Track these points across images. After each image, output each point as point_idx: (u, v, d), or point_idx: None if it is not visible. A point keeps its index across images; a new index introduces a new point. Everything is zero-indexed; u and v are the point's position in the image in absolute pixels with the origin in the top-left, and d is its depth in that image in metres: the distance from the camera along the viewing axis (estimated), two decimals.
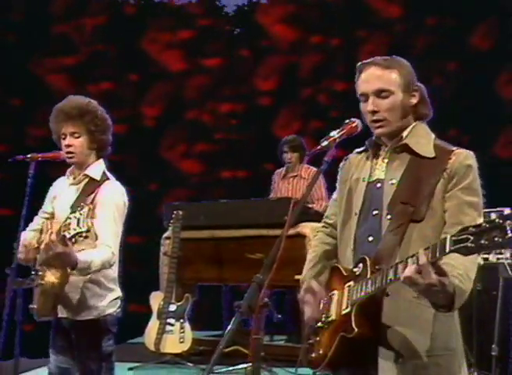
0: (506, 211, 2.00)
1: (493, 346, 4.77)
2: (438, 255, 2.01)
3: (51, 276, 3.13)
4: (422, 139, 2.42)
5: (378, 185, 2.42)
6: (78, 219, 3.02)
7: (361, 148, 2.56)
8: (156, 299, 5.73)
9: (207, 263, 6.22)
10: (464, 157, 2.35)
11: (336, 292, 2.41)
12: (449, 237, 1.98)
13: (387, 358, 2.28)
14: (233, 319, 2.07)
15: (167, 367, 5.66)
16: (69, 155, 3.33)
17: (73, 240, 3.04)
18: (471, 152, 2.39)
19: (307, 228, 5.69)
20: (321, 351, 2.35)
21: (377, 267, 2.26)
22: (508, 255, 4.80)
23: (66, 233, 3.03)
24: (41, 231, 3.35)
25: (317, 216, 5.80)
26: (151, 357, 5.73)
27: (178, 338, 5.60)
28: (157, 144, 8.85)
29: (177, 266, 5.76)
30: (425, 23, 8.52)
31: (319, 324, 2.41)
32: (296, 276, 5.48)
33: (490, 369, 4.83)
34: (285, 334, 6.84)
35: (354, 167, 2.54)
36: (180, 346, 5.59)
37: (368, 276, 2.26)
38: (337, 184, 2.63)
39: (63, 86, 8.24)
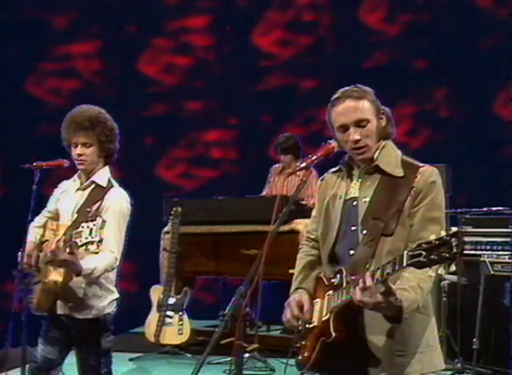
0: (453, 229, 2.21)
1: (474, 340, 5.01)
2: (397, 268, 2.24)
3: (55, 275, 3.30)
4: (391, 158, 2.64)
5: (354, 203, 2.64)
6: (91, 229, 3.17)
7: (336, 168, 2.78)
8: (156, 292, 5.97)
9: (205, 257, 6.45)
10: (428, 175, 2.56)
11: (318, 300, 2.63)
12: (405, 252, 2.21)
13: (372, 363, 2.50)
14: (218, 326, 2.29)
15: (166, 358, 5.89)
16: (80, 163, 3.50)
17: (84, 247, 3.20)
18: (435, 169, 2.60)
19: (300, 225, 5.92)
20: (306, 354, 2.58)
21: (352, 277, 2.49)
22: None
23: (78, 241, 3.18)
24: (44, 229, 3.54)
25: (310, 213, 6.05)
26: (151, 347, 5.97)
27: (177, 330, 5.84)
28: None
29: (176, 260, 5.99)
30: None
31: (304, 329, 2.63)
32: (290, 271, 5.76)
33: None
34: (281, 323, 7.03)
35: (331, 186, 2.76)
36: (179, 337, 5.83)
37: (344, 285, 2.49)
38: (316, 202, 2.86)
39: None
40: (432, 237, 2.16)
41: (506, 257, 4.87)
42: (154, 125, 8.46)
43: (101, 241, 3.19)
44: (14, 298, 3.64)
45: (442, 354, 5.44)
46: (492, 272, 4.90)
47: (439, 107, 8.20)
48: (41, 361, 3.52)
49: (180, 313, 5.88)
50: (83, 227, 3.19)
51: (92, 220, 3.21)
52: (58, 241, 3.27)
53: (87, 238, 3.18)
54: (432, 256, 2.11)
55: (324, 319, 2.55)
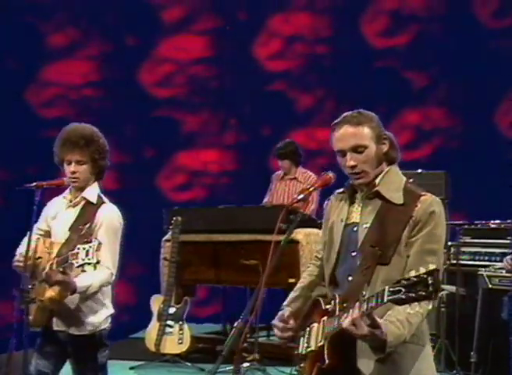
0: (431, 266, 2.25)
1: (472, 353, 5.05)
2: (379, 303, 2.27)
3: (50, 293, 3.32)
4: (393, 185, 2.64)
5: (355, 228, 2.66)
6: (87, 251, 3.18)
7: (341, 190, 2.79)
8: (156, 302, 6.01)
9: (205, 265, 6.50)
10: (428, 204, 2.56)
11: (315, 324, 2.66)
12: (386, 288, 2.23)
13: None
14: (217, 361, 2.33)
15: (166, 366, 5.94)
16: (73, 180, 3.54)
17: (81, 268, 3.24)
18: (437, 199, 2.61)
19: (300, 234, 5.97)
20: None
21: (344, 305, 2.52)
22: None
23: (74, 262, 3.20)
24: (37, 245, 3.53)
25: (310, 222, 6.09)
26: (152, 355, 6.01)
27: (177, 339, 5.87)
28: None
29: (176, 270, 6.03)
30: None
31: (303, 352, 2.67)
32: (290, 280, 5.80)
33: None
34: None
35: (335, 208, 2.79)
36: (179, 347, 5.87)
37: (337, 313, 2.52)
38: (323, 222, 2.87)
39: None
40: (412, 274, 2.19)
41: (504, 271, 4.88)
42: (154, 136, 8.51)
43: (98, 262, 3.20)
44: (15, 315, 3.68)
45: (441, 364, 5.55)
46: (490, 286, 4.92)
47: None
48: (35, 374, 3.55)
49: (180, 323, 5.92)
50: (78, 249, 3.20)
51: (87, 242, 3.24)
52: (51, 261, 3.32)
53: (83, 260, 3.20)
54: (410, 294, 2.14)
55: (319, 344, 2.58)
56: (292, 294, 2.87)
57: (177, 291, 6.08)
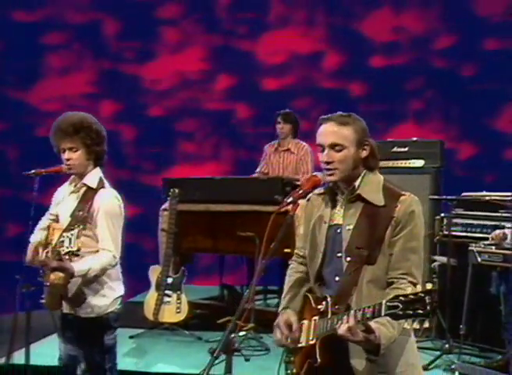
0: (428, 286, 2.36)
1: (461, 326, 5.19)
2: (375, 316, 2.38)
3: (53, 278, 3.42)
4: (373, 186, 2.74)
5: (338, 230, 2.76)
6: (70, 239, 3.34)
7: (320, 191, 2.88)
8: (154, 272, 6.12)
9: (202, 235, 6.60)
10: (408, 204, 2.68)
11: (305, 322, 2.77)
12: (384, 302, 2.33)
13: None
14: (208, 362, 2.44)
15: (166, 335, 6.08)
16: (69, 167, 3.63)
17: (67, 257, 3.37)
18: (415, 198, 2.72)
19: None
20: (294, 371, 2.77)
21: (336, 307, 2.64)
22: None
23: (61, 250, 3.36)
24: (48, 230, 3.64)
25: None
26: (151, 324, 6.14)
27: (175, 308, 6.00)
28: None
29: (174, 239, 6.14)
30: None
31: (294, 347, 2.79)
32: (285, 250, 5.90)
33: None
34: (277, 293, 7.24)
35: (316, 208, 2.88)
36: (177, 316, 6.00)
37: (329, 316, 2.63)
38: (302, 221, 2.97)
39: None
40: (409, 291, 2.28)
41: (494, 247, 4.99)
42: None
43: (78, 250, 3.34)
44: (16, 300, 3.81)
45: (432, 332, 5.70)
46: (480, 261, 5.03)
47: None
48: (66, 358, 3.71)
49: (178, 292, 6.04)
50: (63, 237, 3.34)
51: (72, 230, 3.38)
52: (47, 249, 3.43)
53: (67, 248, 3.34)
54: (408, 311, 2.24)
55: (311, 343, 2.69)
56: (286, 296, 2.96)
57: (175, 259, 6.20)
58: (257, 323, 5.77)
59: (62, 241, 3.40)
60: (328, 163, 2.71)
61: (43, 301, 3.56)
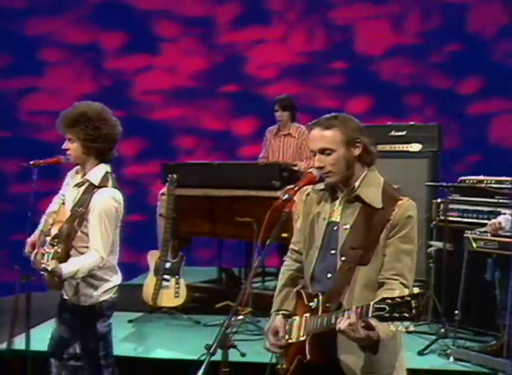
0: (415, 290, 2.38)
1: (456, 312, 5.25)
2: (364, 317, 2.42)
3: (47, 276, 3.50)
4: (372, 188, 2.76)
5: (335, 228, 2.78)
6: (48, 257, 3.35)
7: (320, 187, 2.89)
8: (153, 257, 6.17)
9: (200, 219, 6.65)
10: (405, 209, 2.71)
11: (297, 318, 2.81)
12: (372, 304, 2.37)
13: None
14: (206, 359, 2.48)
15: (164, 318, 6.15)
16: (68, 156, 3.69)
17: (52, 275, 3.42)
18: (413, 203, 2.75)
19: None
20: (284, 366, 2.81)
21: (327, 305, 2.68)
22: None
23: (42, 262, 3.37)
24: (58, 212, 3.73)
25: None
26: (150, 308, 6.21)
27: (173, 293, 6.06)
28: None
29: (172, 223, 6.18)
30: None
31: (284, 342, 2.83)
32: (283, 234, 5.92)
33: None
34: (275, 275, 7.31)
35: (315, 203, 2.89)
36: (176, 300, 6.06)
37: (320, 313, 2.67)
38: (300, 215, 2.98)
39: None
40: (396, 294, 2.31)
41: (489, 234, 5.02)
42: None
43: (51, 271, 3.36)
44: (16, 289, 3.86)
45: (428, 316, 5.76)
46: (475, 247, 5.07)
47: None
48: (57, 339, 3.77)
49: (177, 277, 6.09)
50: (44, 251, 3.37)
51: (53, 245, 3.42)
52: (39, 250, 3.46)
53: (44, 264, 3.35)
54: (394, 314, 2.27)
55: (301, 339, 2.73)
56: (279, 296, 2.99)
57: (173, 243, 6.24)
58: (255, 307, 5.79)
59: (43, 255, 3.38)
60: (321, 168, 2.75)
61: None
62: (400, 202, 2.72)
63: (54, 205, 3.85)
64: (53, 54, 8.71)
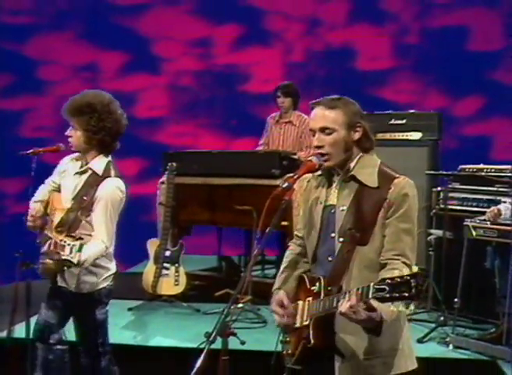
0: (414, 269, 2.37)
1: (455, 300, 5.26)
2: (364, 298, 2.40)
3: (49, 262, 3.48)
4: (368, 169, 2.74)
5: (332, 211, 2.77)
6: (71, 249, 3.31)
7: (319, 172, 2.88)
8: (153, 245, 6.18)
9: (200, 207, 6.65)
10: (401, 187, 2.67)
11: (300, 302, 2.81)
12: (372, 285, 2.35)
13: (342, 361, 2.71)
14: (205, 347, 2.48)
15: (164, 306, 6.16)
16: (70, 144, 3.68)
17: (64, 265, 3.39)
18: (410, 181, 2.72)
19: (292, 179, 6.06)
20: (289, 351, 2.81)
21: (329, 288, 2.67)
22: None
23: (61, 253, 3.32)
24: (49, 197, 3.74)
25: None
26: (149, 296, 6.22)
27: (173, 281, 6.08)
28: None
29: (172, 214, 6.18)
30: None
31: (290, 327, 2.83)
32: (283, 222, 5.93)
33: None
34: (275, 263, 7.31)
35: (314, 189, 2.89)
36: (175, 288, 6.08)
37: (322, 296, 2.66)
38: (300, 202, 2.98)
39: None
40: (396, 274, 2.30)
41: (489, 222, 5.02)
42: None
43: (78, 263, 3.34)
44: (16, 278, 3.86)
45: (428, 303, 5.78)
46: (475, 235, 5.07)
47: None
48: (43, 324, 3.76)
49: (176, 265, 6.10)
50: (65, 242, 3.33)
51: (73, 236, 3.38)
52: (49, 241, 3.46)
53: (67, 256, 3.32)
54: (394, 294, 2.25)
55: (304, 323, 2.72)
56: (280, 276, 2.99)
57: (173, 231, 6.25)
58: (255, 295, 5.82)
59: (63, 247, 3.33)
60: (319, 147, 2.73)
61: (39, 268, 3.61)
62: (396, 181, 2.69)
63: (44, 186, 3.83)
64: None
